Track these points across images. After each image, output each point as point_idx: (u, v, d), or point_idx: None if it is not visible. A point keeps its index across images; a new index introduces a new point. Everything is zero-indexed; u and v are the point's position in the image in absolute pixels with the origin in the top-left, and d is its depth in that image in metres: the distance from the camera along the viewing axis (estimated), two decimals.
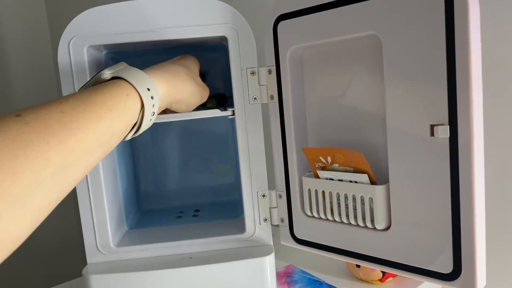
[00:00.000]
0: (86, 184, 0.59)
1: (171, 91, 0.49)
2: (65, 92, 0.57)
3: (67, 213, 1.65)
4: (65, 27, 0.57)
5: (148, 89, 0.43)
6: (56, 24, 1.55)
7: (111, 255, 0.61)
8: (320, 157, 0.51)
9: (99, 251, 0.60)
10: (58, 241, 1.64)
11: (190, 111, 0.59)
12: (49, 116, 0.33)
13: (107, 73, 0.44)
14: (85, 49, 0.57)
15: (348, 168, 0.50)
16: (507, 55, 0.64)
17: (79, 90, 0.42)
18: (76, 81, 0.57)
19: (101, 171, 0.59)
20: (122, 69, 0.44)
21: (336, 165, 0.50)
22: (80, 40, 0.56)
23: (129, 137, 0.44)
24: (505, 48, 0.64)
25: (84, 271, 0.59)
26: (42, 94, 1.57)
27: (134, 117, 0.42)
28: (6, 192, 0.28)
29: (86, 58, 0.57)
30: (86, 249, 0.60)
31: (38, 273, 1.57)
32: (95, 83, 0.43)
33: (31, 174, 0.30)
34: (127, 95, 0.41)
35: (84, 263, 0.61)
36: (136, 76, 0.43)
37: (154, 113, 0.44)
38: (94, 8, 0.56)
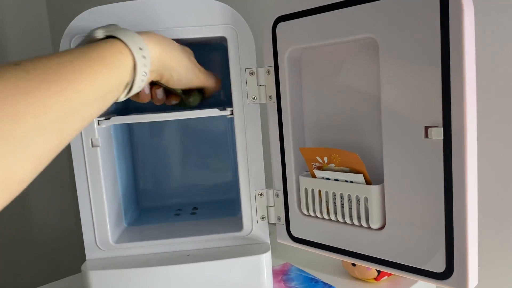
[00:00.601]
0: (86, 181, 0.59)
1: (163, 55, 0.49)
2: None
3: (65, 209, 1.66)
4: (65, 25, 0.57)
5: (140, 49, 0.44)
6: (57, 22, 1.55)
7: (110, 251, 0.62)
8: (317, 157, 0.52)
9: (98, 247, 0.61)
10: (57, 237, 1.65)
11: (190, 108, 0.59)
12: (48, 66, 0.34)
13: (100, 32, 0.45)
14: None
15: (344, 168, 0.51)
16: (501, 57, 0.65)
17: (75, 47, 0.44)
18: None
19: (100, 168, 0.59)
20: (114, 28, 0.45)
21: (332, 165, 0.51)
22: (82, 39, 0.57)
23: (122, 98, 0.45)
24: (499, 51, 0.65)
25: (83, 267, 0.60)
26: None
27: (127, 75, 0.43)
28: (8, 134, 0.29)
29: None
30: (86, 245, 0.61)
31: (37, 269, 1.58)
32: (89, 42, 0.44)
33: (32, 119, 0.31)
34: (120, 52, 0.42)
35: (83, 259, 0.62)
36: (129, 35, 0.44)
37: (146, 73, 0.45)
38: (97, 7, 0.57)
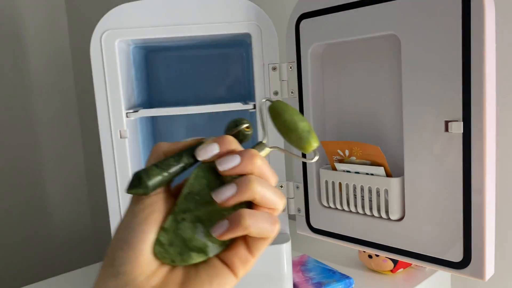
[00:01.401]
0: (114, 171, 0.62)
1: None
2: (96, 86, 0.60)
3: (81, 202, 1.70)
4: (83, 22, 0.60)
5: None
6: (75, 20, 1.58)
7: None
8: (338, 150, 0.54)
9: None
10: (72, 230, 1.68)
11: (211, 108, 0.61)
12: None
13: None
14: (116, 43, 0.60)
15: (365, 161, 0.52)
16: None
17: None
18: (107, 74, 0.60)
19: (128, 159, 0.62)
20: None
21: (353, 158, 0.53)
22: (112, 34, 0.59)
23: None
24: None
25: None
26: (60, 90, 1.61)
27: None
28: None
29: (117, 52, 0.60)
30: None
31: (52, 260, 1.62)
32: None
33: None
34: None
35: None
36: None
37: None
38: (126, 4, 0.59)
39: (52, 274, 0.86)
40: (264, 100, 0.36)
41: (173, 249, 0.29)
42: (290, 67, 0.60)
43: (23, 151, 1.55)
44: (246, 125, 0.34)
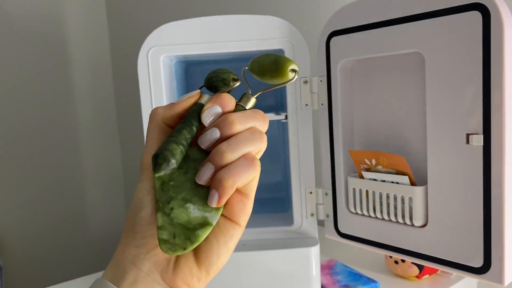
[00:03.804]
0: None
1: None
2: (142, 99, 0.66)
3: (116, 201, 1.78)
4: (122, 37, 0.65)
5: None
6: (115, 34, 1.67)
7: None
8: (365, 159, 0.57)
9: None
10: (108, 228, 1.76)
11: None
12: None
13: None
14: (161, 59, 0.65)
15: (390, 170, 0.55)
16: None
17: None
18: (152, 87, 0.66)
19: None
20: None
21: (379, 167, 0.56)
22: (158, 51, 0.65)
23: None
24: None
25: None
26: (100, 98, 1.70)
27: None
28: None
29: (162, 67, 0.66)
30: None
31: (90, 257, 1.70)
32: None
33: None
34: None
35: None
36: None
37: None
38: (171, 22, 0.65)
39: (87, 271, 0.92)
40: (245, 67, 0.36)
41: (178, 239, 0.30)
42: (321, 81, 0.64)
43: (64, 157, 1.64)
44: (237, 81, 0.35)
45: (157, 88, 0.66)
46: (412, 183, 0.54)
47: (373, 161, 0.57)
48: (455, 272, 0.51)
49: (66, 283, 0.84)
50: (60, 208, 1.63)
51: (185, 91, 0.84)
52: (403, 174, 0.54)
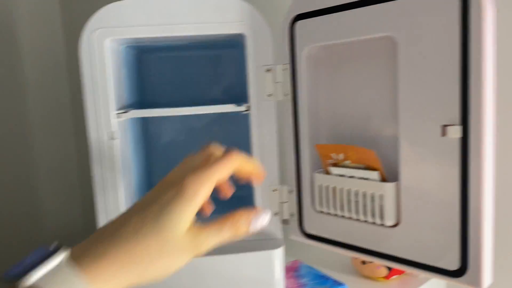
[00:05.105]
0: (103, 173, 0.60)
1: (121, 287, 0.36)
2: (85, 86, 0.59)
3: (72, 201, 1.68)
4: (78, 21, 0.58)
5: None
6: (69, 18, 1.57)
7: None
8: (333, 154, 0.53)
9: None
10: (64, 228, 1.67)
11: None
12: None
13: (27, 284, 0.33)
14: (106, 42, 0.58)
15: (359, 165, 0.51)
16: None
17: None
18: (97, 74, 0.59)
19: (117, 161, 0.60)
20: (49, 273, 0.33)
21: (348, 162, 0.52)
22: (103, 33, 0.58)
23: None
24: None
25: None
26: (54, 90, 1.59)
27: None
28: None
29: (107, 51, 0.59)
30: None
31: None
32: None
33: None
34: None
35: None
36: (63, 285, 0.33)
37: None
38: (117, 2, 0.58)
39: None
40: None
41: None
42: (284, 69, 0.59)
43: (15, 152, 1.53)
44: None
45: (102, 76, 0.59)
46: (383, 179, 0.50)
47: (341, 156, 0.52)
48: (428, 276, 0.47)
49: None
50: (11, 207, 1.52)
51: (136, 80, 0.76)
52: (373, 169, 0.50)
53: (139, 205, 0.38)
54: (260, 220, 0.41)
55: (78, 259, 0.34)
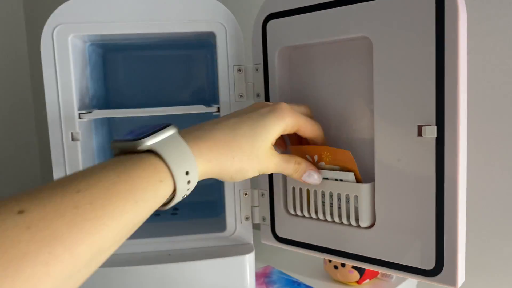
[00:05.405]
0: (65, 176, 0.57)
1: (214, 169, 0.40)
2: (46, 84, 0.55)
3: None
4: (42, 16, 0.55)
5: (187, 173, 0.36)
6: (33, 15, 1.50)
7: None
8: (307, 156, 0.52)
9: None
10: None
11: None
12: (59, 214, 0.27)
13: (144, 145, 0.35)
14: (69, 39, 0.55)
15: (334, 167, 0.50)
16: (492, 58, 0.67)
17: (112, 153, 0.37)
18: (59, 72, 0.55)
19: (80, 163, 0.57)
20: (163, 141, 0.36)
21: (322, 163, 0.51)
22: (65, 29, 0.55)
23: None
24: (490, 50, 0.67)
25: None
26: (15, 87, 1.51)
27: (163, 201, 0.36)
28: None
29: (70, 49, 0.55)
30: None
31: None
32: (128, 150, 0.36)
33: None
34: (161, 181, 0.34)
35: None
36: (178, 154, 0.36)
37: (186, 194, 0.38)
38: None
39: None
40: None
41: None
42: (257, 69, 0.57)
43: None
44: None
45: (65, 74, 0.55)
46: (358, 180, 0.49)
47: (315, 157, 0.51)
48: (405, 276, 0.46)
49: None
50: None
51: (103, 80, 0.73)
52: (349, 170, 0.49)
53: (237, 112, 0.45)
54: (314, 176, 0.49)
55: (184, 137, 0.38)
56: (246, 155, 0.42)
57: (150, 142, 0.36)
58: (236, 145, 0.41)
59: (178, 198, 0.37)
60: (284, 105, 0.45)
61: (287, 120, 0.45)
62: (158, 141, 0.36)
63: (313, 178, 0.49)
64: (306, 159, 0.52)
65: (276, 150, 0.47)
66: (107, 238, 0.30)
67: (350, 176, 0.49)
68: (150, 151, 0.35)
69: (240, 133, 0.42)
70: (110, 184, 0.31)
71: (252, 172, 0.44)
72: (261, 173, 0.45)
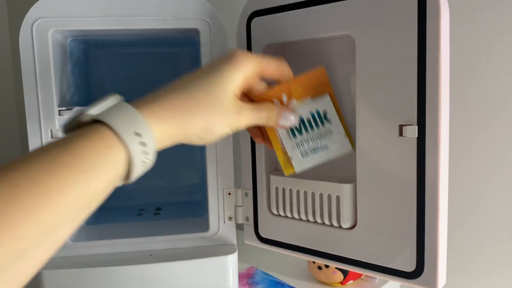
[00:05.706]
0: None
1: (174, 131, 0.38)
2: (25, 80, 0.54)
3: None
4: (25, 11, 0.54)
5: (138, 134, 0.34)
6: (16, 9, 1.48)
7: (67, 250, 0.58)
8: (274, 100, 0.47)
9: None
10: None
11: None
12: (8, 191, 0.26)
13: (87, 115, 0.34)
14: (49, 34, 0.54)
15: (305, 100, 0.47)
16: (473, 58, 0.66)
17: (62, 133, 0.35)
18: (38, 68, 0.54)
19: None
20: (107, 109, 0.35)
21: (294, 102, 0.47)
22: (45, 24, 0.54)
23: (119, 184, 0.36)
24: (472, 51, 0.67)
25: None
26: None
27: (118, 170, 0.34)
28: None
29: (50, 44, 0.54)
30: None
31: None
32: (77, 125, 0.35)
33: None
34: (108, 146, 0.33)
35: None
36: (123, 118, 0.34)
37: (147, 160, 0.36)
38: None
39: None
40: None
41: None
42: None
43: None
44: None
45: (44, 70, 0.54)
46: (334, 102, 0.47)
47: (285, 98, 0.47)
48: (386, 278, 0.46)
49: None
50: None
51: (85, 77, 0.72)
52: (322, 95, 0.47)
53: (192, 71, 0.42)
54: (291, 118, 0.46)
55: (132, 103, 0.36)
56: (207, 109, 0.39)
57: (92, 111, 0.34)
58: (192, 100, 0.39)
59: (137, 165, 0.34)
60: (239, 51, 0.41)
61: (245, 65, 0.41)
62: (102, 110, 0.35)
63: (290, 119, 0.46)
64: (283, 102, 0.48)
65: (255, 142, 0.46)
66: (56, 213, 0.28)
67: (326, 100, 0.47)
68: (95, 122, 0.34)
69: (195, 88, 0.39)
70: (51, 157, 0.30)
71: (221, 128, 0.40)
72: (234, 129, 0.42)
